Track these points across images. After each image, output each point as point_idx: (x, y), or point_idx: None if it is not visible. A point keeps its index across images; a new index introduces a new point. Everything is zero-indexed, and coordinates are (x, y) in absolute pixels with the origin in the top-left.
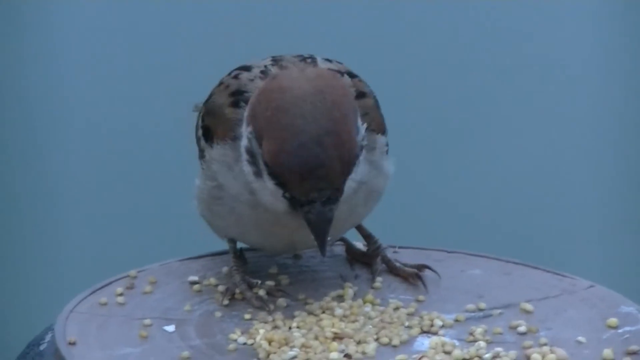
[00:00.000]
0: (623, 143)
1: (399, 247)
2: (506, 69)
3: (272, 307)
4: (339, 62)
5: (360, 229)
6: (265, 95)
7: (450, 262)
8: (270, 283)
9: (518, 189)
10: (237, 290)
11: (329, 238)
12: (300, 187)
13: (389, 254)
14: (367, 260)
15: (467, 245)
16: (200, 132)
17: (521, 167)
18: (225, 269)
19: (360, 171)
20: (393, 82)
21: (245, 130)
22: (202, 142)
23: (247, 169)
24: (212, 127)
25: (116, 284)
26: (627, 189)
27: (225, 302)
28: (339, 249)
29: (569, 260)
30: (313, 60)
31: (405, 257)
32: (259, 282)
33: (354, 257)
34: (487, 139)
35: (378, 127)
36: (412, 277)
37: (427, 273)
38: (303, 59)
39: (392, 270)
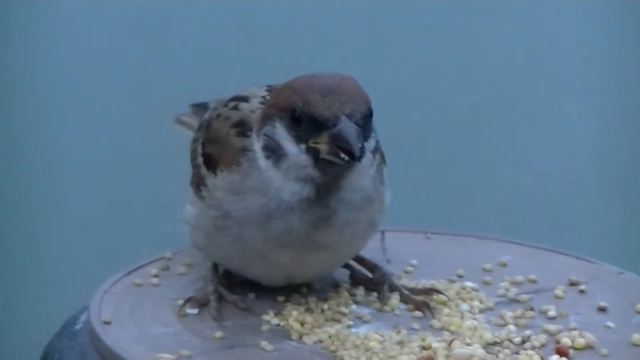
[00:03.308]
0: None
1: (432, 233)
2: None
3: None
4: None
5: (363, 262)
6: (288, 84)
7: (482, 248)
8: (236, 297)
9: (550, 178)
10: (211, 299)
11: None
12: (322, 103)
13: (396, 280)
14: (373, 288)
15: (498, 231)
16: (200, 159)
17: (553, 157)
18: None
19: (371, 146)
20: (412, 83)
21: (260, 133)
22: (204, 169)
23: (266, 165)
24: (215, 155)
25: (151, 265)
26: None
27: (182, 313)
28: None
29: (599, 247)
30: None
31: (438, 243)
32: (227, 293)
33: (359, 283)
34: (520, 129)
35: (382, 157)
36: (422, 306)
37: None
38: None
39: (402, 298)
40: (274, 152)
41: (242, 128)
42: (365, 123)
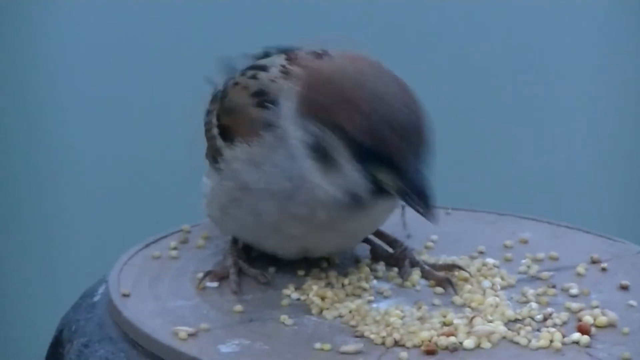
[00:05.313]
0: None
1: (452, 209)
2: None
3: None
4: None
5: (383, 236)
6: (322, 82)
7: (501, 225)
8: (256, 271)
9: (571, 155)
10: (231, 272)
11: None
12: (400, 149)
13: (417, 256)
14: (394, 263)
15: (518, 209)
16: (216, 130)
17: (575, 133)
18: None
19: None
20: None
21: (297, 128)
22: (219, 141)
23: (308, 165)
24: (232, 127)
25: (170, 238)
26: None
27: (202, 286)
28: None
29: (619, 226)
30: (328, 55)
31: (458, 219)
32: (247, 267)
33: (380, 259)
34: (543, 106)
35: None
36: (443, 282)
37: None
38: (317, 55)
39: (423, 274)
40: (324, 158)
41: (262, 98)
42: None
